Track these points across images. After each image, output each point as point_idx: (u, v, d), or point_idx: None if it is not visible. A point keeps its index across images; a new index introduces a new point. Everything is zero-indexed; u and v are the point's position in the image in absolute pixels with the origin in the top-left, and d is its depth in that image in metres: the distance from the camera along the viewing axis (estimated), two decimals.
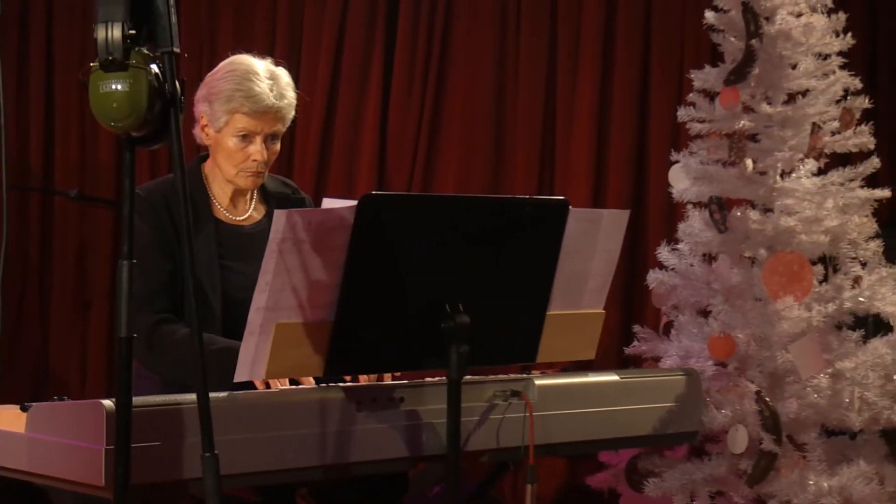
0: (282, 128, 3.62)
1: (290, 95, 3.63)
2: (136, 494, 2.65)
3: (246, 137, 3.55)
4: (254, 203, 3.71)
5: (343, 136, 6.05)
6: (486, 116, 5.89)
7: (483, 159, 5.89)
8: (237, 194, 3.67)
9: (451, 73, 5.95)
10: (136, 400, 2.67)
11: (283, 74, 3.64)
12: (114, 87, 2.15)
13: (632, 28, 5.67)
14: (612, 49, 5.72)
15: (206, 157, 3.67)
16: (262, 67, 3.61)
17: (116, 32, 2.13)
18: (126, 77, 2.14)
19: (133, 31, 2.15)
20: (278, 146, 3.64)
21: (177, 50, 2.16)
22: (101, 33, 2.14)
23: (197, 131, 3.64)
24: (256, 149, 3.56)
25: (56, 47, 6.37)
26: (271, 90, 3.57)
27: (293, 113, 3.65)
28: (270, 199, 3.72)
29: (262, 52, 5.85)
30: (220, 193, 3.67)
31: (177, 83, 2.17)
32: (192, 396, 2.71)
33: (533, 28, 5.81)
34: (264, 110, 3.55)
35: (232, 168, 3.59)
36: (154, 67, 2.16)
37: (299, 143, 6.09)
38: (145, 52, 2.17)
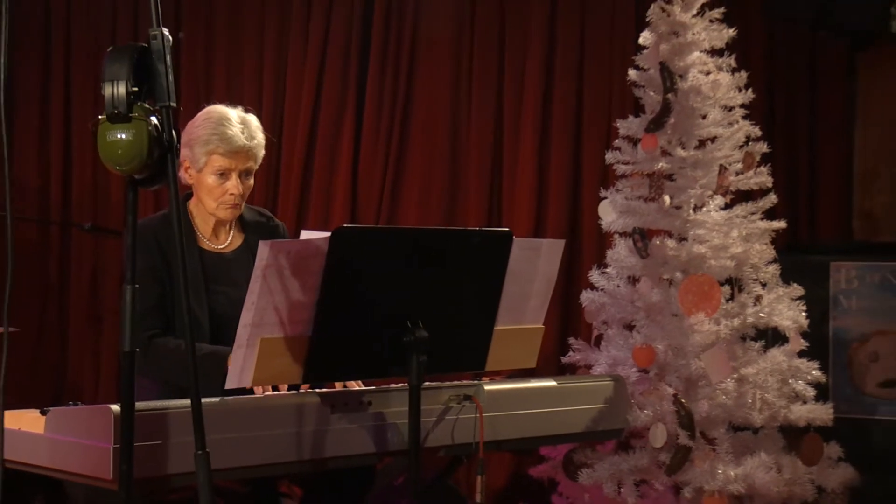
0: (254, 165, 3.65)
1: (260, 137, 3.66)
2: (139, 487, 2.65)
3: (223, 175, 3.57)
4: (233, 232, 3.73)
5: (320, 174, 6.03)
6: (443, 157, 5.89)
7: (440, 194, 5.89)
8: (218, 225, 3.69)
9: (412, 123, 5.94)
10: (140, 405, 2.67)
11: (253, 119, 3.68)
12: (119, 136, 2.15)
13: (567, 83, 5.68)
14: (551, 101, 5.72)
15: (191, 195, 3.68)
16: (234, 114, 3.63)
17: (121, 89, 2.14)
18: (129, 128, 2.14)
19: (135, 88, 2.16)
20: (251, 181, 3.66)
21: (174, 104, 2.16)
22: (108, 90, 2.14)
23: (181, 173, 3.65)
24: (233, 184, 3.58)
25: (73, 95, 6.34)
26: (243, 133, 3.59)
27: (263, 152, 3.69)
28: (248, 228, 3.75)
29: (251, 102, 5.92)
30: (203, 226, 3.69)
31: (173, 133, 2.18)
32: (187, 402, 2.72)
33: (483, 83, 5.82)
34: (237, 150, 3.57)
35: (213, 202, 3.61)
36: (154, 119, 2.16)
37: (283, 181, 6.07)
38: (146, 106, 2.17)
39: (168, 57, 2.19)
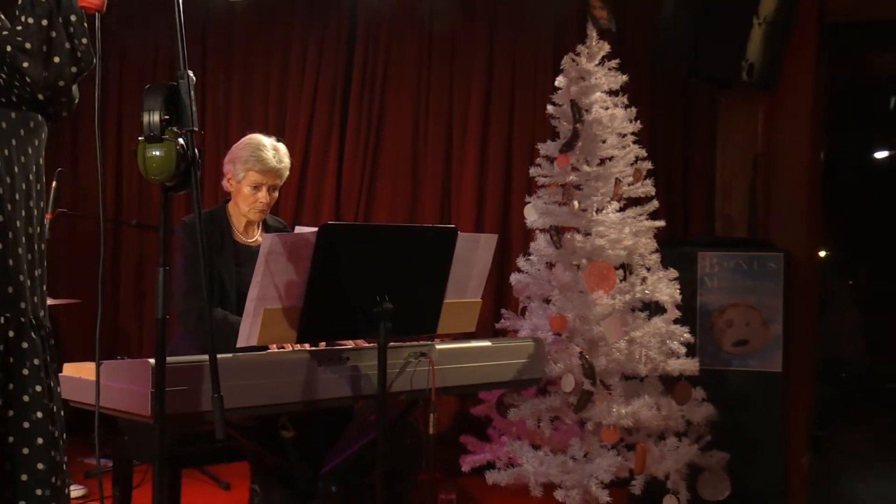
0: (279, 182, 3.71)
1: (287, 161, 3.70)
2: (171, 422, 2.64)
3: (256, 188, 3.61)
4: (259, 231, 3.74)
5: (312, 182, 6.03)
6: (406, 170, 5.90)
7: (404, 198, 5.89)
8: (249, 225, 3.70)
9: (383, 144, 5.95)
10: (175, 358, 2.67)
11: (282, 147, 3.72)
12: (154, 153, 2.14)
13: (501, 115, 5.70)
14: (489, 128, 5.74)
15: (229, 199, 3.69)
16: (268, 142, 3.67)
17: (156, 117, 2.13)
18: (161, 147, 2.14)
19: (167, 117, 2.15)
20: (276, 194, 3.72)
21: (196, 129, 2.16)
22: (146, 118, 2.14)
23: (224, 182, 3.69)
24: (263, 195, 3.62)
25: (124, 117, 6.31)
26: (274, 157, 3.63)
27: (288, 172, 3.72)
28: (269, 229, 3.77)
29: (259, 128, 5.89)
30: (237, 224, 3.70)
31: (196, 151, 2.17)
32: (189, 358, 2.74)
33: (437, 113, 5.83)
34: (269, 170, 3.61)
35: (246, 207, 3.64)
36: (181, 140, 2.15)
37: (283, 189, 6.03)
38: (175, 130, 2.17)
39: (192, 92, 2.17)
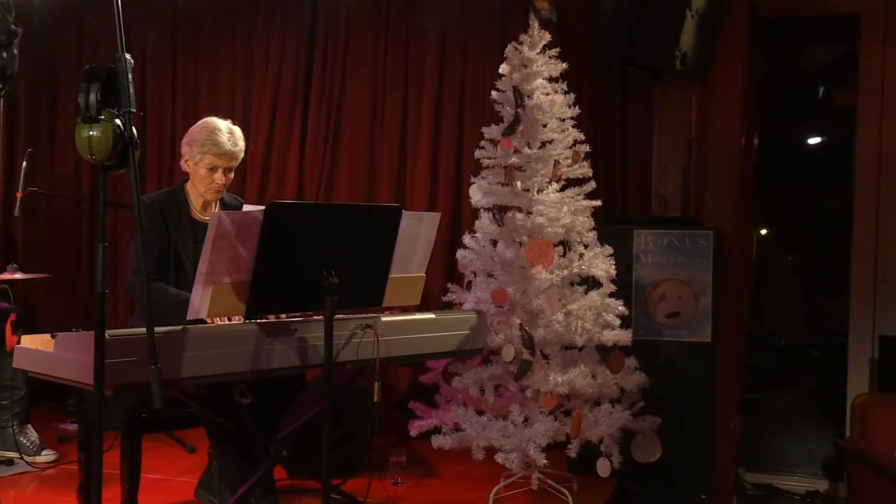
0: (235, 164, 3.64)
1: (242, 144, 3.64)
2: (123, 391, 2.59)
3: (212, 170, 3.55)
4: (217, 208, 3.67)
5: (276, 163, 5.97)
6: (364, 153, 5.84)
7: (362, 180, 5.84)
8: (206, 203, 3.65)
9: (343, 128, 5.88)
10: (122, 331, 2.61)
11: (238, 130, 3.66)
12: (90, 133, 2.07)
13: (453, 100, 5.65)
14: (441, 113, 5.69)
15: (187, 179, 3.63)
16: (224, 125, 3.60)
17: (92, 97, 2.06)
18: (98, 127, 2.07)
19: (101, 98, 2.07)
20: (232, 175, 3.66)
21: (133, 110, 2.09)
22: (82, 98, 2.07)
23: (182, 163, 3.63)
24: (219, 177, 3.56)
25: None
26: (229, 140, 3.57)
27: (243, 155, 3.63)
28: (226, 207, 3.73)
29: (226, 110, 5.83)
30: (195, 202, 3.64)
31: (133, 131, 2.10)
32: (138, 330, 2.68)
33: (393, 101, 5.77)
34: (224, 153, 3.55)
35: (202, 188, 3.58)
36: (118, 121, 2.08)
37: (249, 168, 5.98)
38: (112, 110, 2.09)
39: (130, 75, 2.10)
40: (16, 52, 2.31)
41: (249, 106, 6.03)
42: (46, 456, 4.72)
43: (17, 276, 4.60)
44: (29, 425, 4.79)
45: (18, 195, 4.70)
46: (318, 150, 5.88)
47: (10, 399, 4.69)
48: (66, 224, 6.33)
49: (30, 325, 4.56)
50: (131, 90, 2.07)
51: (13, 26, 2.25)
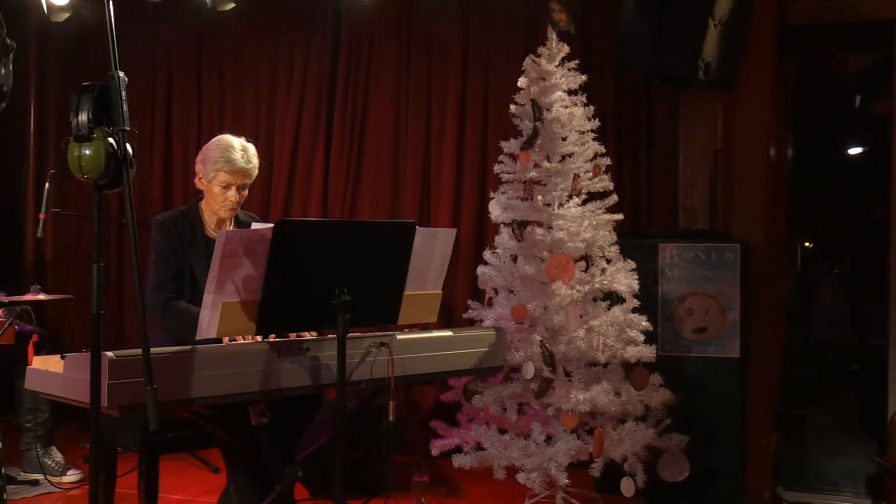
0: (249, 181, 3.61)
1: (255, 161, 3.61)
2: (131, 412, 2.57)
3: (226, 187, 3.53)
4: (231, 226, 3.66)
5: (301, 180, 6.00)
6: (388, 169, 5.84)
7: (386, 196, 5.84)
8: (220, 221, 3.63)
9: (366, 144, 5.90)
10: (130, 351, 2.59)
11: (251, 147, 3.62)
12: (83, 152, 2.06)
13: (476, 114, 5.62)
14: (464, 129, 5.66)
15: (202, 197, 3.61)
16: (237, 143, 3.58)
17: (83, 117, 2.05)
18: (90, 146, 2.05)
19: (93, 117, 2.06)
20: (246, 192, 3.62)
21: (127, 128, 2.08)
22: (74, 118, 2.06)
23: (196, 181, 3.61)
24: (232, 194, 3.54)
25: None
26: (243, 157, 3.55)
27: (257, 172, 3.61)
28: (241, 225, 3.69)
29: (251, 127, 5.87)
30: (209, 220, 3.62)
31: (128, 149, 2.08)
32: (162, 349, 2.67)
33: (416, 117, 5.77)
34: (238, 170, 3.52)
35: (217, 205, 3.56)
36: (111, 140, 2.07)
37: (274, 185, 6.02)
38: (105, 129, 2.08)
39: (123, 93, 2.08)
40: (10, 68, 2.29)
41: (273, 123, 6.07)
42: (72, 476, 4.74)
43: (41, 297, 4.64)
44: (53, 447, 4.82)
45: (42, 217, 4.74)
46: (343, 165, 5.88)
47: (33, 421, 4.72)
48: (79, 244, 6.39)
49: (55, 346, 4.59)
50: (125, 108, 2.05)
51: (7, 41, 2.24)
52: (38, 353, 4.38)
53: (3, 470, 2.51)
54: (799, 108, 5.72)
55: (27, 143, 6.51)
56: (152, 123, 6.33)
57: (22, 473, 4.79)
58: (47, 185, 4.76)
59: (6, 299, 4.68)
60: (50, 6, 5.61)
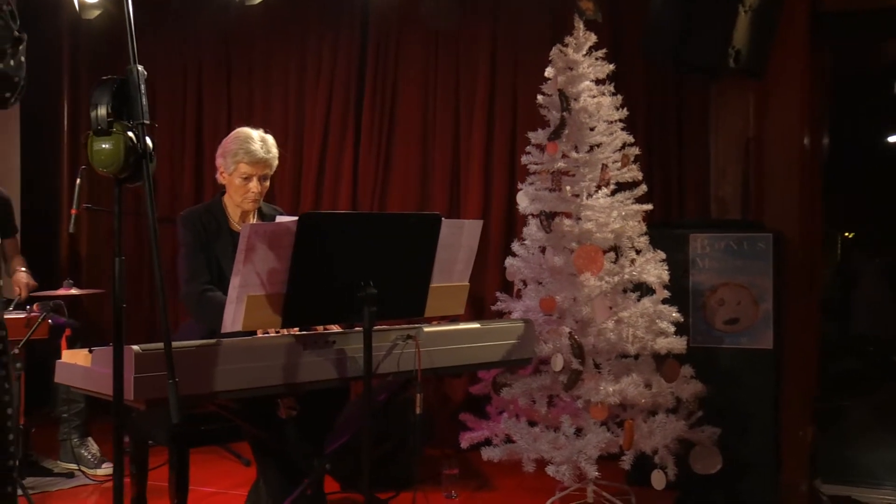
0: (269, 172, 3.60)
1: (274, 151, 3.61)
2: (157, 405, 2.58)
3: (247, 179, 3.53)
4: (255, 219, 3.66)
5: (330, 174, 6.02)
6: (417, 162, 5.84)
7: (415, 189, 5.84)
8: (244, 213, 3.64)
9: (395, 136, 5.90)
10: (150, 346, 2.61)
11: (270, 138, 3.62)
12: (102, 146, 2.07)
13: (505, 105, 5.60)
14: (493, 120, 5.64)
15: (224, 192, 3.63)
16: (256, 134, 3.59)
17: (102, 111, 2.06)
18: (110, 140, 2.06)
19: (112, 111, 2.07)
20: (268, 183, 3.61)
21: (147, 122, 2.08)
22: (93, 112, 2.07)
23: (217, 176, 3.62)
24: (254, 185, 3.54)
25: (156, 118, 6.32)
26: (262, 148, 3.55)
27: (276, 162, 3.62)
28: (265, 217, 3.70)
29: (280, 122, 5.89)
30: (233, 213, 3.63)
31: (148, 143, 2.09)
32: (186, 343, 2.68)
33: (444, 109, 5.76)
34: (257, 161, 3.52)
35: (238, 198, 3.57)
36: (130, 133, 2.08)
37: (304, 179, 6.04)
38: (125, 123, 2.09)
39: (143, 86, 2.08)
40: (22, 59, 2.29)
41: (303, 117, 6.09)
42: (107, 468, 4.79)
43: (73, 291, 4.69)
44: (90, 438, 4.88)
45: (73, 212, 4.79)
46: (372, 159, 5.89)
47: (68, 412, 4.79)
48: (125, 239, 6.42)
49: (88, 340, 4.64)
50: (144, 102, 2.05)
51: (17, 33, 2.23)
52: (71, 346, 4.43)
53: (15, 460, 2.53)
54: (835, 97, 5.64)
55: (61, 140, 6.59)
56: (183, 119, 6.38)
57: (59, 465, 4.85)
58: (78, 180, 4.81)
59: (39, 294, 4.74)
60: (81, 3, 5.66)
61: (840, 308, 10.82)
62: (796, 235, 4.56)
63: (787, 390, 4.50)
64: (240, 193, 3.55)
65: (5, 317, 2.42)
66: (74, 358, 2.91)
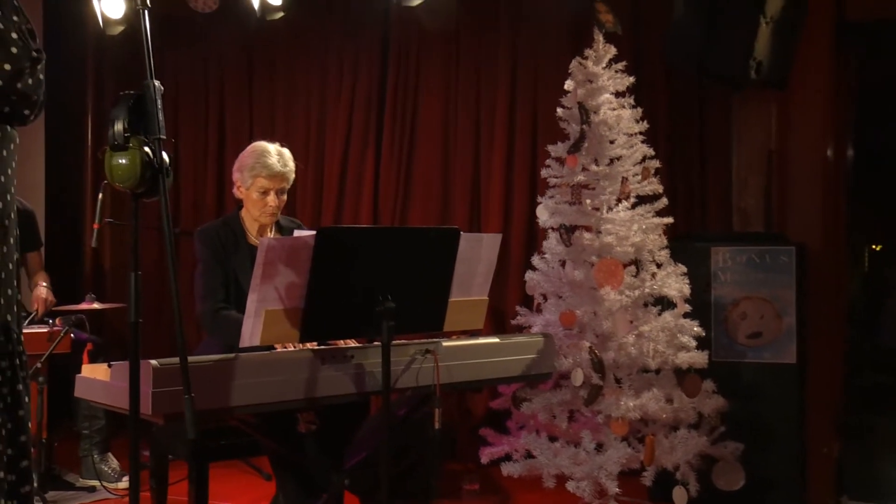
0: (286, 185, 3.61)
1: (291, 165, 3.61)
2: (174, 420, 2.58)
3: (264, 193, 3.53)
4: (273, 233, 3.66)
5: (351, 188, 6.02)
6: (438, 176, 5.83)
7: (436, 202, 5.83)
8: (262, 228, 3.64)
9: (416, 150, 5.90)
10: (168, 360, 2.61)
11: (286, 152, 3.63)
12: (119, 161, 2.08)
13: (526, 119, 5.59)
14: (514, 134, 5.63)
15: (242, 206, 3.63)
16: (272, 148, 3.59)
17: (119, 126, 2.07)
18: (126, 155, 2.08)
19: (128, 126, 2.08)
20: (285, 196, 3.62)
21: (163, 137, 2.09)
22: (109, 127, 2.08)
23: (234, 190, 3.63)
24: (271, 199, 3.54)
25: (181, 134, 6.35)
26: (279, 162, 3.55)
27: (293, 176, 3.62)
28: (283, 230, 3.70)
29: (301, 137, 5.91)
30: (251, 227, 3.63)
31: (164, 158, 2.10)
32: (202, 358, 2.68)
33: (465, 124, 5.75)
34: (274, 175, 3.53)
35: (256, 212, 3.57)
36: (147, 148, 2.09)
37: (325, 193, 6.06)
38: (142, 138, 2.10)
39: (159, 101, 2.09)
40: (41, 77, 2.31)
41: (324, 131, 6.11)
42: (127, 482, 4.80)
43: (95, 305, 4.72)
44: (110, 453, 4.90)
45: (95, 226, 4.82)
46: (393, 173, 5.89)
47: (90, 428, 4.81)
48: (147, 253, 6.48)
49: (110, 354, 4.66)
50: (160, 117, 2.07)
51: (35, 53, 2.26)
52: (93, 361, 4.45)
53: (32, 484, 2.53)
54: (862, 106, 5.58)
55: (85, 154, 6.65)
56: (206, 133, 6.42)
57: (80, 480, 4.87)
58: (100, 195, 4.84)
59: (62, 308, 4.77)
60: (105, 20, 5.72)
61: (868, 321, 10.70)
62: (820, 247, 4.52)
63: (812, 405, 4.45)
64: (258, 207, 3.56)
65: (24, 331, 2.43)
66: (94, 372, 2.92)
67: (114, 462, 4.88)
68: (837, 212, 4.85)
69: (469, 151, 5.72)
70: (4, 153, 2.37)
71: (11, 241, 2.44)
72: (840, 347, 4.96)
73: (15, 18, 2.27)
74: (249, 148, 3.61)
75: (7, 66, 2.28)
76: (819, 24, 4.53)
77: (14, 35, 2.28)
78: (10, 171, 2.42)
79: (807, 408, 4.40)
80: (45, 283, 4.89)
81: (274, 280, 2.77)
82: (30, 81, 2.26)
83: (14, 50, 2.29)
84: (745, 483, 4.03)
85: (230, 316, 3.44)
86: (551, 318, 4.01)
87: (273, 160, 3.54)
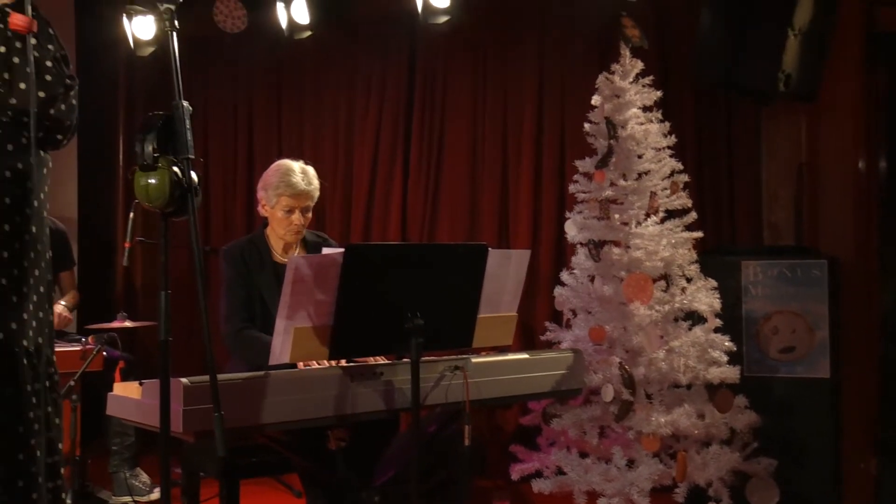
0: (311, 203, 3.62)
1: (315, 183, 3.62)
2: (205, 438, 2.59)
3: (289, 211, 3.55)
4: (298, 250, 3.68)
5: (380, 204, 6.03)
6: (466, 192, 5.82)
7: (464, 219, 5.82)
8: (287, 245, 3.65)
9: (444, 166, 5.90)
10: (199, 378, 2.62)
11: (311, 170, 3.64)
12: (148, 181, 2.11)
13: (553, 135, 5.57)
14: (541, 150, 5.61)
15: (267, 224, 3.64)
16: (297, 166, 3.60)
17: (148, 147, 2.09)
18: (155, 175, 2.10)
19: (157, 147, 2.10)
20: (310, 214, 3.63)
21: (192, 156, 2.11)
22: (138, 147, 2.11)
23: (259, 209, 3.65)
24: (296, 217, 3.55)
25: (210, 153, 6.40)
26: (303, 180, 3.56)
27: (318, 193, 3.63)
28: (309, 247, 3.71)
29: (330, 154, 5.93)
30: (276, 245, 3.64)
31: (193, 177, 2.12)
32: (231, 375, 2.70)
33: (493, 140, 5.74)
34: (299, 193, 3.54)
35: (281, 230, 3.58)
36: (175, 168, 2.11)
37: (354, 210, 6.07)
38: (170, 158, 2.13)
39: (188, 121, 2.12)
40: (74, 102, 2.35)
41: (352, 148, 6.13)
42: (159, 494, 4.84)
43: (127, 323, 4.76)
44: (139, 468, 4.93)
45: (126, 245, 4.87)
46: (421, 189, 5.90)
47: (120, 445, 4.85)
48: (179, 272, 6.53)
49: (142, 373, 4.70)
50: (189, 137, 2.09)
51: (68, 80, 2.30)
52: (125, 379, 4.47)
53: (61, 479, 2.56)
54: (893, 118, 5.52)
55: (117, 174, 6.72)
56: (235, 151, 6.48)
57: (113, 498, 4.91)
58: (131, 214, 4.88)
59: (94, 326, 4.82)
60: (136, 41, 5.79)
61: None
62: (852, 260, 4.47)
63: (848, 420, 4.39)
64: (283, 226, 3.57)
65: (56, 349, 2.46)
66: (126, 390, 2.95)
67: (144, 476, 4.91)
68: (870, 224, 4.80)
69: (497, 167, 5.72)
70: (38, 177, 2.40)
71: (43, 264, 2.47)
72: (874, 361, 4.89)
73: (50, 47, 2.32)
74: (273, 166, 3.62)
75: (42, 94, 2.33)
76: (848, 36, 4.50)
77: (48, 63, 2.33)
78: (42, 196, 2.45)
79: (842, 423, 4.35)
80: (63, 302, 4.95)
81: (303, 298, 2.78)
82: (63, 107, 2.30)
83: (48, 77, 2.33)
84: (779, 500, 3.99)
85: (252, 335, 3.45)
86: (581, 334, 3.99)
87: (297, 178, 3.55)
